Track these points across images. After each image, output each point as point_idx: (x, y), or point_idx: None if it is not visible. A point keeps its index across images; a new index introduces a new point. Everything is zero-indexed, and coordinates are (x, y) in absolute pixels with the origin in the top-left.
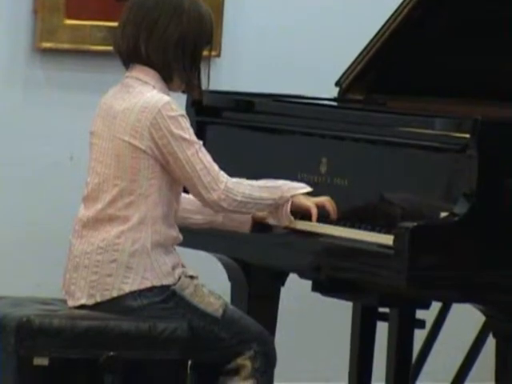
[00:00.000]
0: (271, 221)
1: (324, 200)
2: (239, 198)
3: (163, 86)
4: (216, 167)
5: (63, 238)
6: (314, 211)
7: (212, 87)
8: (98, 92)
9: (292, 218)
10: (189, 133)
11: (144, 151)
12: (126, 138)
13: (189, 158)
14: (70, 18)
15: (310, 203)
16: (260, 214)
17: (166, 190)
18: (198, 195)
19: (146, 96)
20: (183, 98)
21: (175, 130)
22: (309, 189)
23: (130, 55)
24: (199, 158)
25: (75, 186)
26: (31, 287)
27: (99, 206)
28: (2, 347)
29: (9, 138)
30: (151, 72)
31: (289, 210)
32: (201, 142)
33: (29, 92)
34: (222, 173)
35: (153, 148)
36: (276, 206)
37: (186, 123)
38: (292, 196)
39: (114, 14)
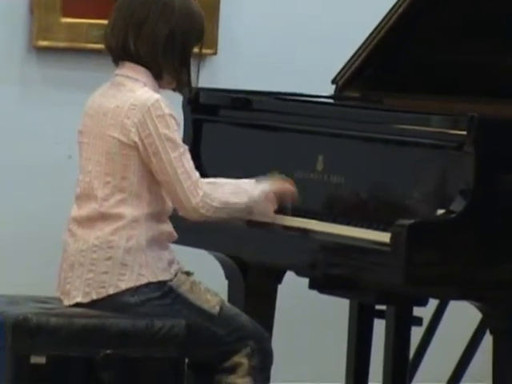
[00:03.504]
0: (257, 217)
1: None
2: (215, 204)
3: (154, 83)
4: (197, 174)
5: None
6: (288, 186)
7: (209, 85)
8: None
9: (274, 205)
10: (176, 134)
11: (132, 148)
12: (116, 135)
13: (171, 161)
14: (66, 16)
15: (280, 185)
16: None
17: (157, 188)
18: (176, 201)
19: (136, 94)
20: (177, 96)
21: (162, 130)
22: (267, 179)
23: (120, 52)
24: (182, 161)
25: (74, 184)
26: (30, 286)
27: (91, 204)
28: None
29: (5, 137)
30: (141, 69)
31: (265, 203)
32: (186, 147)
33: (25, 90)
34: (201, 180)
35: (139, 145)
36: (249, 211)
37: (173, 124)
38: (259, 194)
39: (110, 12)
